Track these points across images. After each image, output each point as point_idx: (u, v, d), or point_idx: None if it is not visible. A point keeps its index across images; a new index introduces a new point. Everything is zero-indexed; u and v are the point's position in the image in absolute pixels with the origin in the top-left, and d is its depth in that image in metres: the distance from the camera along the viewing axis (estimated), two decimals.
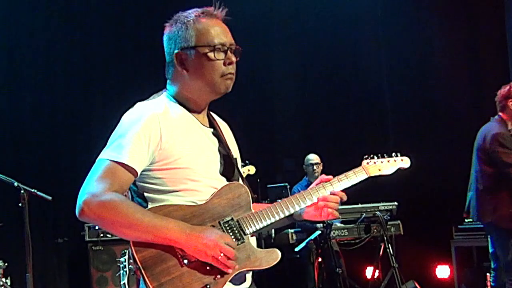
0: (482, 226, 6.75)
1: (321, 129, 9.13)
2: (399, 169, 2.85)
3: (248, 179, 5.78)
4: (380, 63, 9.00)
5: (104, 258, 7.16)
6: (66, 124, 7.90)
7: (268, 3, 8.81)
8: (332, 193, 2.61)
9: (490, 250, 5.74)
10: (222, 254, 2.29)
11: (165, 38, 2.54)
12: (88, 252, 7.20)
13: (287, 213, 2.55)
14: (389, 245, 6.47)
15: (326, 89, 9.08)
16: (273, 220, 2.51)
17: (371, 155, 2.81)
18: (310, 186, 2.65)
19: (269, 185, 7.74)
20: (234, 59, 2.48)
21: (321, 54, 8.98)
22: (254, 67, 8.54)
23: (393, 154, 2.85)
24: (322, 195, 2.61)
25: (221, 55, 2.46)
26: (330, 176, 2.67)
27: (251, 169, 6.05)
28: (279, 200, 2.58)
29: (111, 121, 2.50)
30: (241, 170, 2.73)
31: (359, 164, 2.77)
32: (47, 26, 7.92)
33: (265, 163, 7.65)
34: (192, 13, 2.50)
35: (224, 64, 2.46)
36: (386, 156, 2.83)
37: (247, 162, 5.95)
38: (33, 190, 5.12)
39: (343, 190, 2.66)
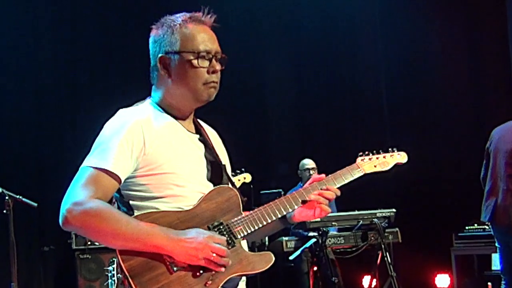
0: (483, 234, 6.69)
1: (317, 133, 9.09)
2: (396, 165, 2.79)
3: (242, 186, 5.68)
4: (379, 65, 8.96)
5: (92, 267, 7.08)
6: (52, 130, 7.90)
7: (264, 2, 8.74)
8: (326, 189, 2.56)
9: (499, 267, 5.56)
10: (214, 254, 2.25)
11: (150, 40, 2.52)
12: (75, 261, 7.10)
13: (279, 215, 2.51)
14: (387, 253, 6.39)
15: (322, 92, 9.05)
16: (265, 223, 2.46)
17: (366, 152, 2.75)
18: (303, 186, 2.60)
19: (262, 191, 7.65)
20: (218, 67, 2.45)
21: (316, 57, 8.95)
22: (247, 70, 8.53)
23: (390, 149, 2.80)
24: None
25: (205, 63, 2.43)
26: (323, 175, 2.63)
27: (247, 177, 6.01)
28: (271, 202, 2.52)
29: (97, 128, 2.46)
30: (237, 178, 2.63)
31: None
32: (34, 30, 7.92)
33: (259, 168, 7.59)
34: (179, 17, 2.47)
35: (208, 72, 2.43)
36: (381, 152, 2.79)
37: (242, 170, 5.92)
38: (18, 197, 5.18)
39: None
